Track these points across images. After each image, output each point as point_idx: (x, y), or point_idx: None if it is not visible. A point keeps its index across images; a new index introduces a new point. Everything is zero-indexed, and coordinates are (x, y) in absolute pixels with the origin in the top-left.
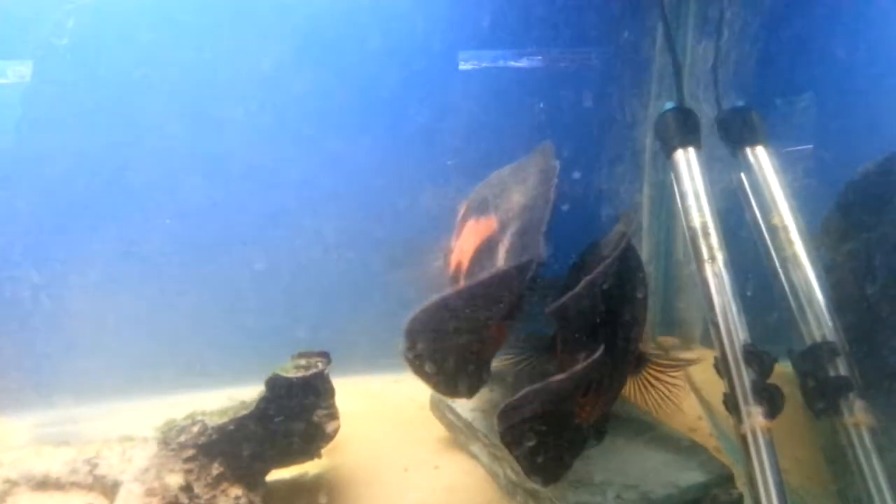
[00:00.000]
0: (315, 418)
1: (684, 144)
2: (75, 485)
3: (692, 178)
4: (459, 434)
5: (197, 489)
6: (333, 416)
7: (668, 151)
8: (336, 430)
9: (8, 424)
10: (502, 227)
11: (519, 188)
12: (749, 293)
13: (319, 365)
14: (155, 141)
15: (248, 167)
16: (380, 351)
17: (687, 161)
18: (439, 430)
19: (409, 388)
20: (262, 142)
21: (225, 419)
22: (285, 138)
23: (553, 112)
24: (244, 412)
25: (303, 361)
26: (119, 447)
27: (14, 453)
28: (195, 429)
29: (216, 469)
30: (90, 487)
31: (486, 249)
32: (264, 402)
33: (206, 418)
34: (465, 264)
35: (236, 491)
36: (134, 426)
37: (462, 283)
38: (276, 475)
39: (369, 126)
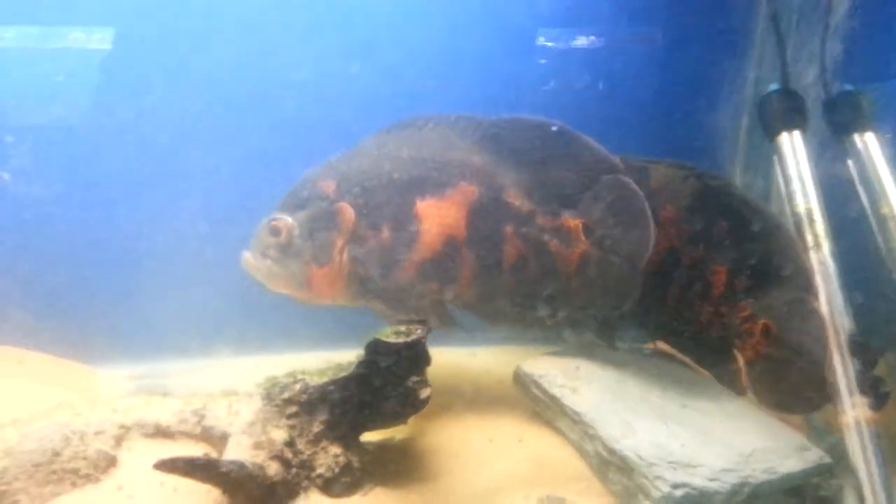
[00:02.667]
0: (409, 384)
1: (789, 127)
2: (184, 434)
3: (797, 162)
4: (545, 409)
5: (299, 445)
6: (426, 383)
7: (772, 135)
8: (428, 398)
9: (104, 375)
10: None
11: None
12: (856, 283)
13: (419, 332)
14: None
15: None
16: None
17: (792, 144)
18: (521, 403)
19: (483, 362)
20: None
21: (325, 379)
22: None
23: (644, 94)
24: (343, 374)
25: (402, 328)
26: (224, 401)
27: (126, 401)
28: (297, 387)
29: (317, 427)
30: (198, 437)
31: (483, 212)
32: (363, 365)
33: (307, 377)
34: (461, 235)
35: (335, 449)
36: (223, 382)
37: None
38: (367, 437)
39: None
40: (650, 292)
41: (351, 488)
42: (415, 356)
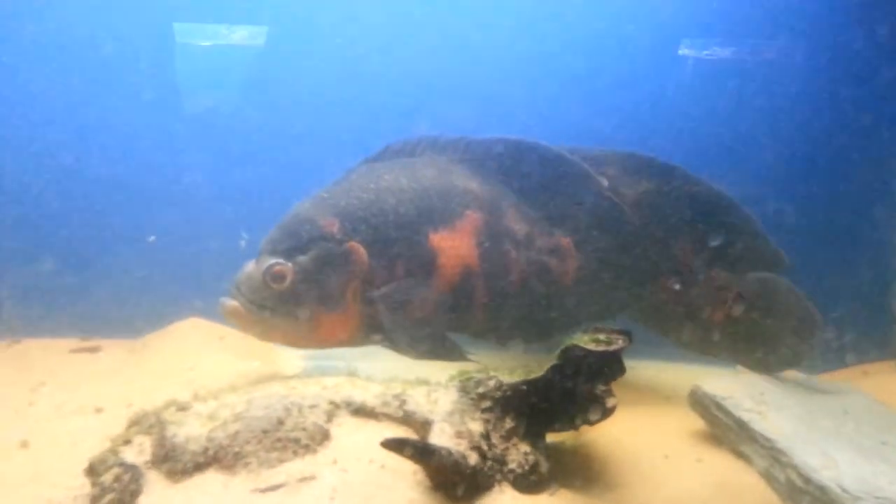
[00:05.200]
0: (597, 392)
1: None
2: (386, 416)
3: None
4: (727, 432)
5: (493, 439)
6: (612, 393)
7: None
8: (614, 408)
9: (282, 355)
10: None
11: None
12: None
13: (620, 342)
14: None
15: None
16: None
17: None
18: (696, 423)
19: (647, 377)
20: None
21: (517, 378)
22: None
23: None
24: (536, 375)
25: (602, 336)
26: (422, 388)
27: (333, 380)
28: (491, 383)
29: (508, 423)
30: (400, 420)
31: (490, 239)
32: (557, 369)
33: (500, 375)
34: (475, 264)
35: (524, 447)
36: (388, 370)
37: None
38: (552, 438)
39: None
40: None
41: (539, 486)
42: (609, 365)
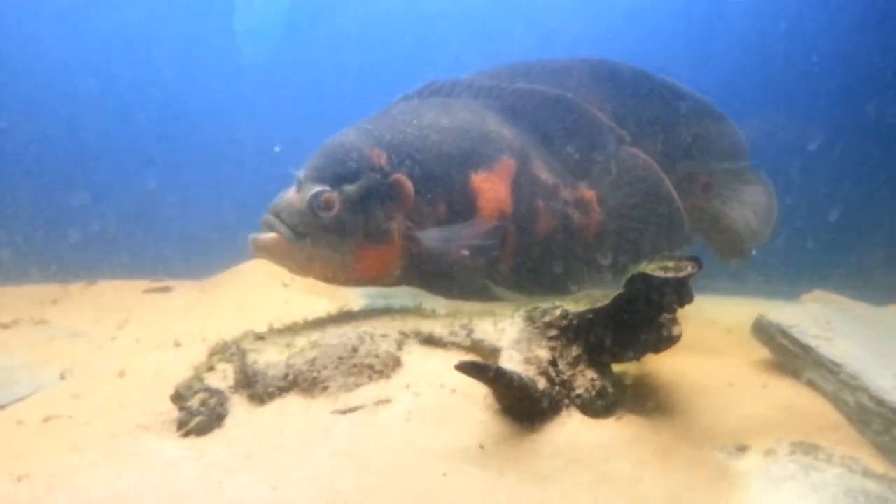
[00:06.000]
0: (662, 320)
1: None
2: (455, 345)
3: None
4: (793, 359)
5: (560, 365)
6: (676, 321)
7: None
8: (680, 335)
9: (348, 293)
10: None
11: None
12: None
13: (689, 269)
14: None
15: None
16: None
17: None
18: (760, 352)
19: (708, 310)
20: None
21: (582, 307)
22: None
23: None
24: (602, 303)
25: (671, 263)
26: (490, 319)
27: (400, 313)
28: (557, 312)
29: (574, 351)
30: (468, 349)
31: (522, 186)
32: (624, 297)
33: (565, 304)
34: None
35: (591, 374)
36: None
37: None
38: (616, 367)
39: None
40: None
41: (606, 411)
42: (678, 292)
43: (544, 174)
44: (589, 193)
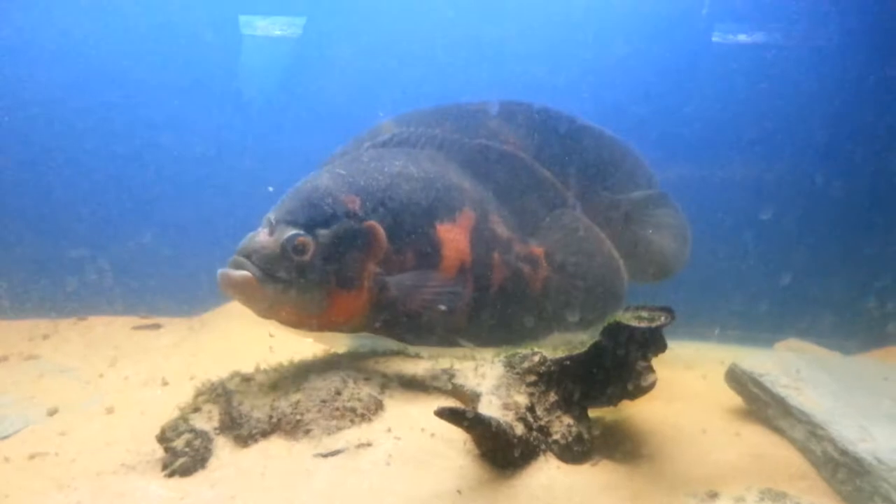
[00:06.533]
0: (638, 368)
1: None
2: (436, 389)
3: None
4: (765, 407)
5: (538, 411)
6: (652, 369)
7: None
8: (654, 383)
9: (334, 334)
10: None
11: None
12: None
13: (662, 319)
14: None
15: None
16: None
17: None
18: (734, 399)
19: (684, 356)
20: None
21: (560, 354)
22: None
23: None
24: (579, 351)
25: (644, 313)
26: (470, 363)
27: (385, 358)
28: (535, 358)
29: (552, 397)
30: (449, 393)
31: (480, 238)
32: (600, 345)
33: (544, 351)
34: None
35: (568, 419)
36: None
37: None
38: (592, 412)
39: None
40: None
41: (582, 457)
42: (651, 342)
43: (500, 228)
44: (538, 249)
